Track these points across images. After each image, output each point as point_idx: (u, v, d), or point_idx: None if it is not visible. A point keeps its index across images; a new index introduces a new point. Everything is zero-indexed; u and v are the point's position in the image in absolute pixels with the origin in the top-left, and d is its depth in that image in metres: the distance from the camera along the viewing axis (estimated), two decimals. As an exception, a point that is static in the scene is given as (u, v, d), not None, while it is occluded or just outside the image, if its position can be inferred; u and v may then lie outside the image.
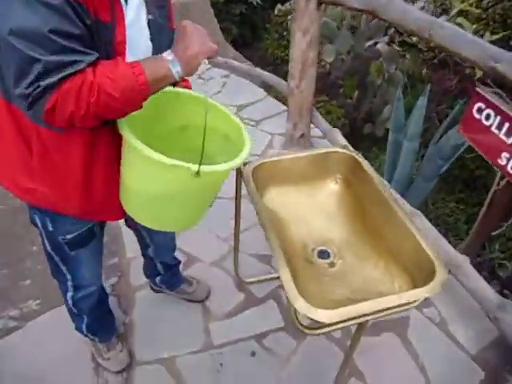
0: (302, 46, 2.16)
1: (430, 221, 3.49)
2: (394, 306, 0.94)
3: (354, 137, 4.25)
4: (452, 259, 1.68)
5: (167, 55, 0.88)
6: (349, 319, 0.92)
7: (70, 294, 1.34)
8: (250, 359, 1.61)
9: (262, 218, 1.13)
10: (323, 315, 0.90)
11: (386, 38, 3.80)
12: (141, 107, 0.91)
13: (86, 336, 1.52)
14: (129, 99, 0.85)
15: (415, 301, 0.96)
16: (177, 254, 1.74)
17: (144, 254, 1.64)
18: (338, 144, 2.37)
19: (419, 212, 1.88)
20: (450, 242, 2.55)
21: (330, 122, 2.95)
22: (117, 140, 1.00)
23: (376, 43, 3.76)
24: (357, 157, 1.33)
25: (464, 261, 1.65)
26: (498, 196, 1.82)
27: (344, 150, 1.36)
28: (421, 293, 0.95)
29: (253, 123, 2.94)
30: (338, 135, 2.37)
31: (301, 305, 0.92)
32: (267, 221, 1.11)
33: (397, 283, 1.12)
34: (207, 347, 1.65)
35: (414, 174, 3.20)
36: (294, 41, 2.17)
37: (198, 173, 0.91)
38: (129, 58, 0.91)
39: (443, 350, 1.64)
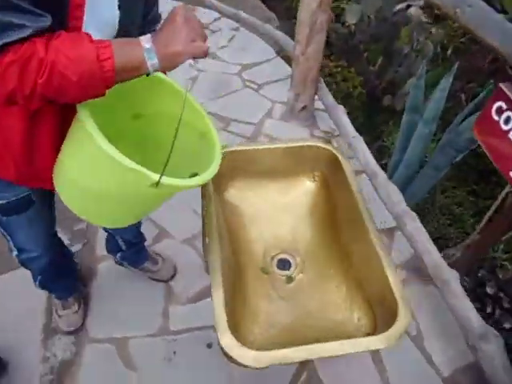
0: (311, 6, 1.88)
1: (437, 209, 3.29)
2: (339, 355, 0.79)
3: (371, 108, 3.95)
4: (440, 272, 1.51)
5: (145, 42, 0.71)
6: (284, 363, 0.78)
7: (14, 253, 1.27)
8: (205, 351, 1.52)
9: (208, 224, 0.96)
10: (251, 358, 0.76)
11: (421, 2, 3.39)
12: (103, 95, 0.74)
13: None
14: (88, 86, 0.69)
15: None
16: (147, 226, 1.61)
17: (104, 228, 1.51)
18: (341, 123, 2.14)
19: (414, 214, 1.69)
20: (450, 240, 2.36)
21: (342, 92, 2.70)
22: (64, 113, 0.85)
23: (408, 6, 3.36)
24: (338, 155, 1.13)
25: (453, 277, 1.48)
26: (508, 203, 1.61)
27: (325, 146, 1.16)
28: (372, 342, 0.79)
29: (255, 87, 2.69)
30: (341, 114, 2.13)
31: (227, 342, 0.78)
32: (214, 229, 0.94)
33: (356, 314, 0.97)
34: (163, 332, 1.57)
35: (426, 159, 2.96)
36: (304, -1, 1.89)
37: (157, 184, 0.76)
38: (87, 28, 0.73)
39: (414, 368, 1.52)
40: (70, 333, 1.54)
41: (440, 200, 3.27)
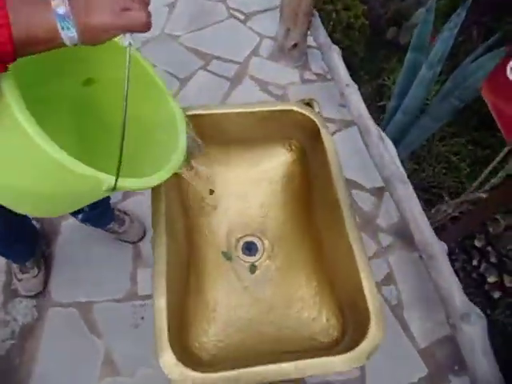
0: None
1: (433, 157, 3.12)
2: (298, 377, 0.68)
3: (374, 42, 3.60)
4: (427, 244, 1.40)
5: (57, 5, 0.50)
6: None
7: None
8: (174, 317, 1.45)
9: (155, 210, 0.81)
10: (190, 382, 0.65)
11: None
12: (5, 70, 0.54)
13: None
14: None
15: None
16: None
17: None
18: (334, 67, 1.89)
19: (406, 179, 1.53)
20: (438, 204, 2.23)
21: (342, 24, 2.39)
22: None
23: None
24: (319, 124, 0.95)
25: (440, 251, 1.37)
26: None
27: (304, 111, 0.97)
28: (336, 364, 0.68)
29: (241, 17, 2.36)
30: (336, 56, 1.87)
31: (166, 361, 0.66)
32: (162, 217, 0.79)
33: (325, 313, 0.86)
34: (130, 297, 1.49)
35: (428, 102, 2.74)
36: None
37: (114, 188, 0.61)
38: None
39: (390, 338, 1.45)
40: (30, 297, 1.46)
41: (437, 148, 3.09)
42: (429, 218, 1.63)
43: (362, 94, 2.16)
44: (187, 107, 0.93)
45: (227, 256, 0.96)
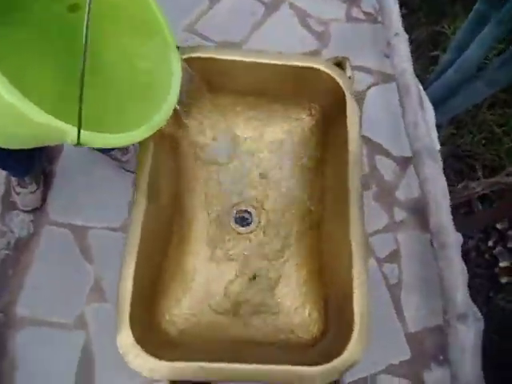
0: None
1: (476, 125, 2.88)
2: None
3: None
4: (442, 232, 1.29)
5: None
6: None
7: None
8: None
9: (139, 168, 0.71)
10: (147, 370, 0.61)
11: None
12: None
13: None
14: None
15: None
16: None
17: None
18: (387, 8, 1.64)
19: (438, 156, 1.37)
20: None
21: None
22: None
23: None
24: (346, 92, 0.80)
25: (454, 243, 1.26)
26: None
27: (331, 72, 0.81)
28: (308, 373, 0.63)
29: None
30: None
31: (123, 340, 0.62)
32: (143, 176, 0.70)
33: (308, 308, 0.80)
34: (127, 228, 1.45)
35: (486, 61, 2.44)
36: None
37: (78, 143, 0.56)
38: None
39: (380, 316, 1.41)
40: (27, 211, 1.44)
41: (483, 115, 2.81)
42: (454, 193, 1.50)
43: (414, 40, 1.89)
44: (196, 47, 0.79)
45: (218, 221, 0.88)
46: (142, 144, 0.73)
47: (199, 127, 0.83)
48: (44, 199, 1.46)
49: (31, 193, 1.41)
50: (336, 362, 0.63)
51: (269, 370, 0.61)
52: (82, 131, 0.52)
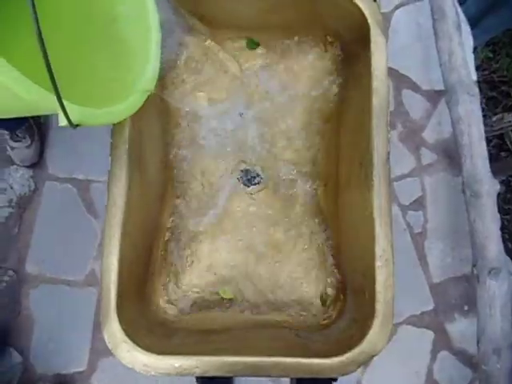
0: None
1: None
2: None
3: None
4: (477, 179, 1.15)
5: None
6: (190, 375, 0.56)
7: None
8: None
9: (116, 132, 0.59)
10: (141, 364, 0.54)
11: None
12: None
13: None
14: None
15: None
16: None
17: None
18: None
19: (475, 91, 1.19)
20: None
21: None
22: None
23: None
24: (371, 22, 0.63)
25: (490, 191, 1.13)
26: None
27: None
28: (321, 367, 0.55)
29: None
30: None
31: (111, 333, 0.55)
32: (122, 140, 0.58)
33: (324, 282, 0.70)
34: (130, 181, 1.37)
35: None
36: None
37: (71, 125, 0.50)
38: None
39: (402, 266, 1.33)
40: (26, 166, 1.36)
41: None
42: (486, 126, 1.34)
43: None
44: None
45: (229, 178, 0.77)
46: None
47: (191, 79, 0.69)
48: (41, 153, 1.37)
49: (26, 147, 1.32)
50: (351, 354, 0.54)
51: (278, 362, 0.54)
52: (73, 107, 0.44)
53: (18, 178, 1.38)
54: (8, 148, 1.35)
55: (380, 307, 0.56)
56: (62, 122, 0.47)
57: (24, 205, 1.36)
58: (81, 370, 1.27)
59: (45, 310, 1.30)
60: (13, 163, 1.38)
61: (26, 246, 1.34)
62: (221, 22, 0.71)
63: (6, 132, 1.32)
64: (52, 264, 1.32)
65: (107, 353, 1.27)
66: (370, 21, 0.64)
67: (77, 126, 0.49)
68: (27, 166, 1.37)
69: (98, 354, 1.28)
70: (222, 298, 0.69)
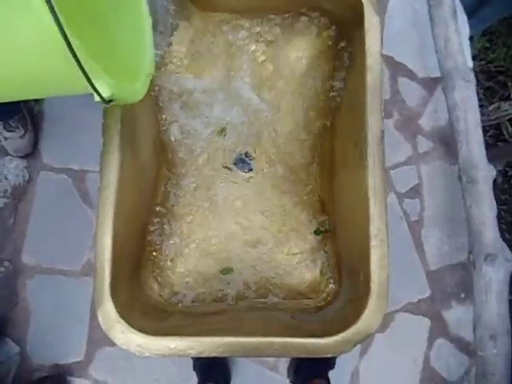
0: None
1: (510, 37, 2.57)
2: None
3: None
4: (473, 165, 1.15)
5: None
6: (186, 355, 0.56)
7: None
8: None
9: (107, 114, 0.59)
10: (135, 345, 0.54)
11: None
12: None
13: None
14: None
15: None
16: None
17: None
18: None
19: (471, 77, 1.18)
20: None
21: None
22: None
23: None
24: (366, 3, 0.63)
25: (486, 177, 1.13)
26: None
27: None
28: (316, 346, 0.55)
29: None
30: None
31: (105, 314, 0.54)
32: (114, 122, 0.58)
33: (320, 264, 0.70)
34: (125, 171, 1.36)
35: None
36: None
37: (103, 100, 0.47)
38: None
39: (399, 254, 1.34)
40: (21, 157, 1.36)
41: (506, 35, 2.48)
42: (482, 116, 1.34)
43: None
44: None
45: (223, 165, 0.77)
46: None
47: (183, 61, 0.68)
48: (35, 144, 1.36)
49: (20, 137, 1.31)
50: (347, 334, 0.54)
51: (272, 342, 0.54)
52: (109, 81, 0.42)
53: (13, 169, 1.37)
54: (1, 138, 1.34)
55: (375, 287, 0.55)
56: (103, 91, 0.44)
57: (19, 195, 1.36)
58: (78, 360, 1.27)
59: (42, 301, 1.30)
60: (7, 154, 1.37)
61: (21, 237, 1.33)
62: (212, 5, 0.70)
63: None
64: (48, 254, 1.32)
65: (104, 343, 1.27)
66: (365, 4, 0.63)
67: (110, 101, 0.47)
68: (21, 157, 1.36)
69: (95, 344, 1.28)
70: (217, 282, 0.69)
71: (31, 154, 1.35)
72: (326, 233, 0.71)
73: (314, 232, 0.70)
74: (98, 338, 1.28)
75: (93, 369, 1.27)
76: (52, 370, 1.27)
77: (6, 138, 1.32)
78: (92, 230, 1.33)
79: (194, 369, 1.16)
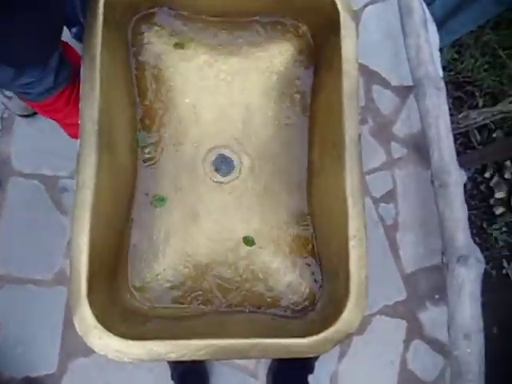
0: None
1: (479, 48, 2.68)
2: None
3: None
4: (444, 170, 1.19)
5: None
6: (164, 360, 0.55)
7: None
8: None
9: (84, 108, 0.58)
10: (113, 350, 0.52)
11: None
12: None
13: None
14: None
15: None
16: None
17: None
18: None
19: (441, 85, 1.23)
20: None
21: None
22: None
23: None
24: (340, 7, 0.64)
25: (457, 181, 1.17)
26: None
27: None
28: (295, 347, 0.55)
29: None
30: None
31: (81, 320, 0.53)
32: (89, 121, 0.57)
33: (299, 267, 0.70)
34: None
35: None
36: None
37: None
38: None
39: (375, 257, 1.35)
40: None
41: (487, 36, 2.59)
42: (452, 124, 1.39)
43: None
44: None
45: (195, 173, 0.76)
46: (88, 69, 0.58)
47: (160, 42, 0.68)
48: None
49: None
50: (327, 333, 0.55)
51: (253, 344, 0.53)
52: None
53: (-19, 176, 1.32)
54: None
55: (354, 286, 0.56)
56: None
57: (-13, 202, 1.30)
58: (51, 372, 1.22)
59: (12, 311, 1.24)
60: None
61: (-10, 246, 1.28)
62: (184, 7, 0.70)
63: None
64: (18, 263, 1.27)
65: (77, 354, 1.23)
66: (339, 6, 0.65)
67: None
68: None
69: (68, 355, 1.23)
70: (196, 287, 0.67)
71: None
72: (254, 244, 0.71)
73: (244, 240, 0.70)
74: (72, 349, 1.23)
75: (66, 381, 1.22)
76: (23, 382, 1.22)
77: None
78: (65, 237, 1.29)
79: (172, 378, 1.13)
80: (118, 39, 0.64)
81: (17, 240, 1.28)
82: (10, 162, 1.32)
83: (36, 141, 1.33)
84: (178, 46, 0.71)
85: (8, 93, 1.25)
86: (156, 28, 0.70)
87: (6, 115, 1.34)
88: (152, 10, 0.68)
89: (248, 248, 0.71)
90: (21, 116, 1.30)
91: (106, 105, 0.58)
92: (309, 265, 0.70)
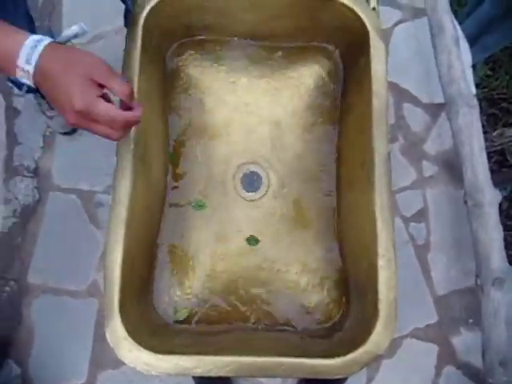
0: None
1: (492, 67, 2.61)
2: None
3: None
4: (478, 189, 1.15)
5: (30, 46, 0.52)
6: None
7: None
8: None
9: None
10: (143, 363, 0.54)
11: None
12: None
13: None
14: None
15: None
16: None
17: None
18: None
19: (474, 102, 1.21)
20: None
21: None
22: None
23: None
24: (370, 29, 0.65)
25: (492, 200, 1.13)
26: None
27: (352, 5, 0.66)
28: (326, 367, 0.55)
29: None
30: None
31: (113, 332, 0.55)
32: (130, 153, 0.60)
33: (327, 285, 0.70)
34: (133, 192, 1.38)
35: None
36: None
37: None
38: None
39: (406, 279, 1.33)
40: (31, 177, 1.38)
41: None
42: (486, 141, 1.36)
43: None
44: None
45: (225, 191, 0.78)
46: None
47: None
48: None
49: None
50: (355, 354, 0.54)
51: (280, 362, 0.53)
52: None
53: (23, 189, 1.39)
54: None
55: (383, 307, 0.55)
56: None
57: (28, 215, 1.37)
58: (80, 382, 1.25)
59: (46, 321, 1.29)
60: (18, 173, 1.40)
61: (28, 257, 1.34)
62: (212, 28, 0.73)
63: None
64: (54, 274, 1.32)
65: (107, 365, 1.25)
66: (369, 28, 0.66)
67: None
68: (32, 176, 1.38)
69: (97, 366, 1.26)
70: (224, 303, 0.68)
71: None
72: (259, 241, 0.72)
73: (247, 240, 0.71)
74: (101, 361, 1.26)
75: (95, 392, 1.25)
76: (53, 392, 1.25)
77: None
78: (98, 251, 1.33)
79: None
80: (154, 62, 0.67)
81: (53, 252, 1.33)
82: (50, 177, 1.39)
83: (75, 157, 1.40)
84: (211, 67, 0.74)
85: (49, 112, 1.32)
86: (190, 51, 0.73)
87: (47, 133, 1.42)
88: (185, 40, 0.71)
89: (281, 264, 0.72)
90: (61, 133, 1.38)
91: (143, 123, 0.61)
92: (337, 284, 0.70)
